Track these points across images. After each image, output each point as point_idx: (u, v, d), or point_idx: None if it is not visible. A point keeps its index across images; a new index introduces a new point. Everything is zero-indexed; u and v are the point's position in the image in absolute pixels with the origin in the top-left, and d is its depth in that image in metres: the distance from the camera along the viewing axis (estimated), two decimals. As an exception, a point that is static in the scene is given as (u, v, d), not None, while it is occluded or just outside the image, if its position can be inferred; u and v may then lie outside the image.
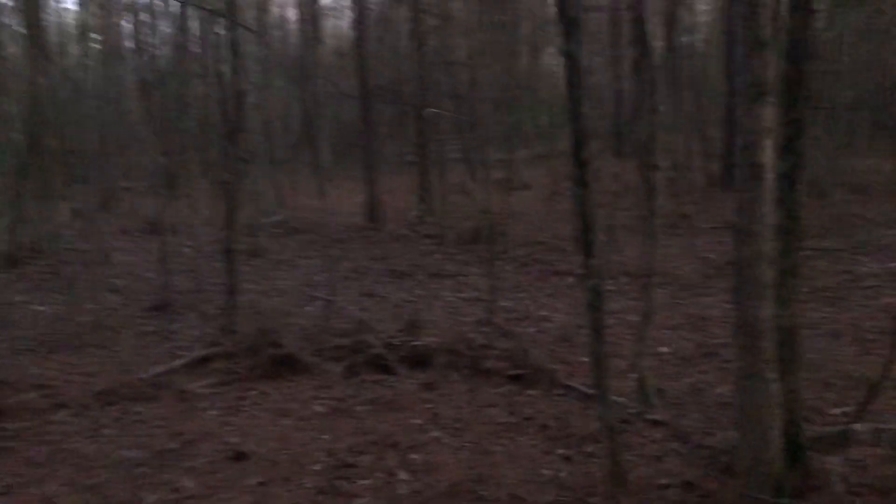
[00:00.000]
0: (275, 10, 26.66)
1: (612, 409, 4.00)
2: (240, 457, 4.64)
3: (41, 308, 8.68)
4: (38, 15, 13.10)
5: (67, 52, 21.37)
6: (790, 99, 3.49)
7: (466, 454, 4.56)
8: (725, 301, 8.24)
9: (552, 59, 27.05)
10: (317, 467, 4.47)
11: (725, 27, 16.12)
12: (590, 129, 4.03)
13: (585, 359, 6.00)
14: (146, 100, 16.70)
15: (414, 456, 4.55)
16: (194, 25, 16.52)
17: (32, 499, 4.20)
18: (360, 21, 16.21)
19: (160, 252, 9.38)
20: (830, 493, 3.49)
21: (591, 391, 4.88)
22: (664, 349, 6.69)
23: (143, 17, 19.56)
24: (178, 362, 6.53)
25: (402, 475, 4.31)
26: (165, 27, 21.01)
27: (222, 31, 10.27)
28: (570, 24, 3.92)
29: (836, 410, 4.98)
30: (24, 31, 13.13)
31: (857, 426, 4.31)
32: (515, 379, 5.84)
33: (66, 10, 24.22)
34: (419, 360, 6.19)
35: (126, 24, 21.95)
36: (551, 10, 20.46)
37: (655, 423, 4.94)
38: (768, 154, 3.28)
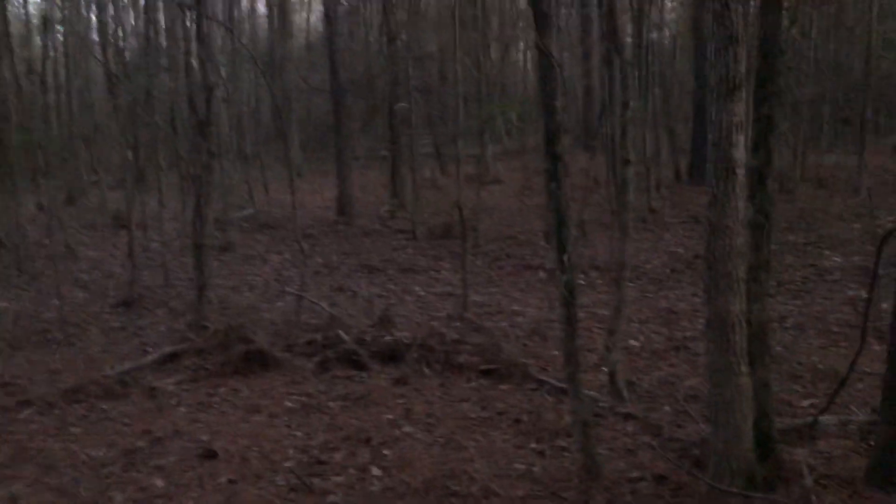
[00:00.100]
0: (244, 4, 26.38)
1: (584, 404, 4.02)
2: (210, 454, 4.58)
3: (5, 304, 8.51)
4: (1, 6, 12.81)
5: (32, 44, 20.94)
6: (761, 95, 3.52)
7: (439, 449, 4.56)
8: (694, 295, 8.34)
9: (522, 55, 27.14)
10: (288, 464, 4.43)
11: (694, 23, 16.26)
12: (562, 123, 4.04)
13: (557, 353, 6.04)
14: (113, 93, 16.41)
15: (387, 452, 4.53)
16: (162, 17, 16.26)
17: (-3, 499, 4.11)
18: (330, 15, 16.08)
19: (128, 247, 9.25)
20: (801, 486, 3.53)
21: (563, 385, 4.90)
22: (634, 343, 6.74)
23: (110, 8, 19.20)
24: (146, 359, 6.44)
25: (375, 471, 4.29)
26: (132, 19, 20.72)
27: (190, 24, 10.11)
28: (542, 18, 3.92)
29: (805, 402, 5.05)
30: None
31: (825, 418, 4.39)
32: (488, 373, 5.84)
33: (31, 1, 23.76)
34: (391, 356, 6.16)
35: (92, 17, 21.61)
36: (522, 5, 20.51)
37: (627, 416, 4.97)
38: (740, 149, 3.31)
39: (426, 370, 5.94)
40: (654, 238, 11.32)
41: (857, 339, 6.16)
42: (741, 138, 3.30)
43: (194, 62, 8.36)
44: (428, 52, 15.99)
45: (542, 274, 9.69)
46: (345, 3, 20.09)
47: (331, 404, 5.38)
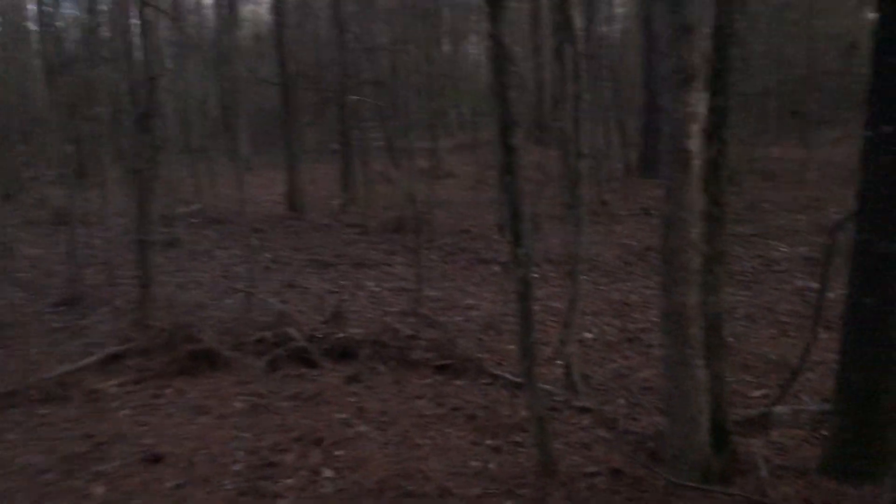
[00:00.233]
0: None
1: (540, 400, 3.96)
2: (155, 459, 4.41)
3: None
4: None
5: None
6: (715, 86, 3.49)
7: (393, 448, 4.46)
8: (646, 287, 8.39)
9: (474, 49, 27.11)
10: (237, 467, 4.28)
11: (644, 16, 16.39)
12: (516, 115, 3.97)
13: (512, 346, 6.00)
14: (52, 84, 15.88)
15: (339, 452, 4.42)
16: (105, 6, 15.79)
17: (-75, 512, 3.89)
18: (278, 5, 15.78)
19: (69, 244, 8.92)
20: (756, 478, 3.53)
21: (518, 380, 4.85)
22: (588, 335, 6.73)
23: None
24: (88, 360, 6.18)
25: (327, 473, 4.17)
26: (72, 8, 20.07)
27: (134, 13, 9.80)
28: (495, 6, 3.83)
29: (757, 393, 5.09)
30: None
31: (778, 408, 4.42)
32: (443, 369, 5.75)
33: (-37, -12, 22.79)
34: (344, 353, 6.04)
35: (30, 6, 20.88)
36: (473, -3, 20.44)
37: (582, 409, 4.94)
38: (695, 140, 3.28)
39: (380, 367, 5.83)
40: (606, 231, 11.37)
41: (807, 328, 6.26)
42: (696, 129, 3.27)
43: (136, 53, 8.08)
44: (379, 45, 15.79)
45: (496, 268, 9.66)
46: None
47: (281, 404, 5.24)
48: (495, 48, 3.98)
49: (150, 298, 7.11)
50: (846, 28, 17.15)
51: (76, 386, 5.63)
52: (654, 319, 6.90)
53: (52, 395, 5.47)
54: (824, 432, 4.06)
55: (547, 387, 5.04)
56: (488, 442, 4.50)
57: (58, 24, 17.77)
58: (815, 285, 7.68)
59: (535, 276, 8.73)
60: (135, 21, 8.19)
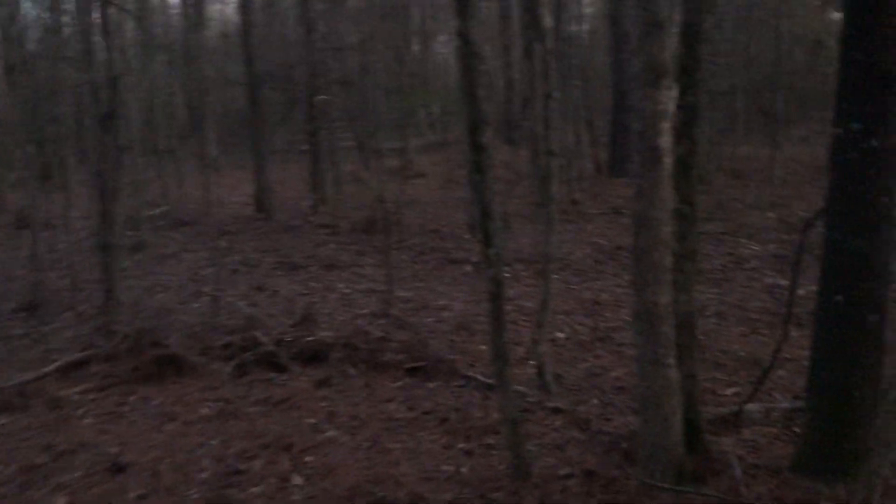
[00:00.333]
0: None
1: (512, 402, 3.91)
2: (119, 468, 4.30)
3: None
4: None
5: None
6: (684, 83, 3.47)
7: (364, 453, 4.38)
8: (617, 285, 8.39)
9: (443, 48, 27.05)
10: (204, 475, 4.19)
11: (612, 15, 16.45)
12: (485, 113, 3.92)
13: (485, 347, 5.94)
14: (13, 84, 15.52)
15: (309, 458, 4.33)
16: (67, 5, 15.49)
17: None
18: (245, 5, 15.60)
19: (31, 248, 8.70)
20: (729, 478, 3.52)
21: (490, 381, 4.80)
22: (560, 335, 6.71)
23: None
24: (49, 367, 6.02)
25: (297, 480, 4.09)
26: (33, 7, 19.64)
27: (96, 12, 9.58)
28: (463, 3, 3.78)
29: (729, 391, 5.09)
30: None
31: (749, 406, 4.42)
32: (414, 371, 5.68)
33: (-81, -14, 22.21)
34: (313, 356, 5.94)
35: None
36: (442, -3, 20.40)
37: (555, 410, 4.91)
38: (666, 138, 3.25)
39: (350, 370, 5.74)
40: (576, 230, 11.37)
41: (777, 326, 6.31)
42: (667, 126, 3.24)
43: (98, 52, 7.90)
44: (348, 44, 15.68)
45: (467, 267, 9.61)
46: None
47: (249, 410, 5.13)
48: (463, 46, 3.92)
49: (115, 303, 6.96)
50: (811, 28, 17.39)
51: (37, 394, 5.48)
52: (625, 318, 6.89)
53: (12, 403, 5.32)
54: (796, 430, 4.06)
55: (519, 388, 4.99)
56: (461, 445, 4.45)
57: (18, 22, 17.37)
58: (784, 283, 7.74)
59: (507, 275, 8.68)
60: (98, 20, 7.99)
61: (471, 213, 10.89)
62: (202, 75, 20.18)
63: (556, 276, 7.86)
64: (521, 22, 14.80)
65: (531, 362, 5.60)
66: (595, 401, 5.11)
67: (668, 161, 3.29)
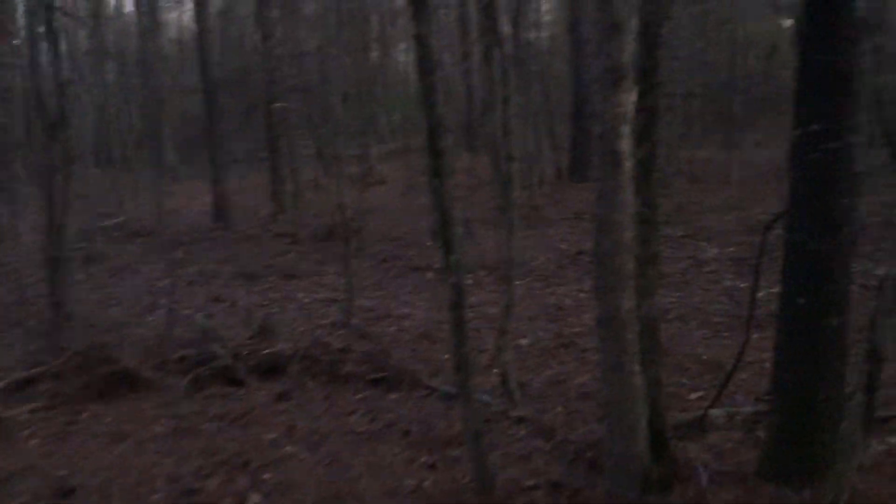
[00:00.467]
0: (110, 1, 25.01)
1: (476, 413, 3.82)
2: (66, 492, 4.11)
3: None
4: None
5: None
6: (644, 86, 3.42)
7: (324, 469, 4.25)
8: (580, 290, 8.37)
9: (404, 56, 26.98)
10: (157, 496, 4.02)
11: (571, 22, 16.55)
12: (444, 118, 3.83)
13: (447, 356, 5.85)
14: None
15: (267, 475, 4.19)
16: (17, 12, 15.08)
17: None
18: (200, 11, 15.36)
19: (-25, 262, 8.41)
20: (696, 485, 3.47)
21: (454, 391, 4.70)
22: (524, 341, 6.65)
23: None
24: (-6, 387, 5.79)
25: (255, 498, 3.95)
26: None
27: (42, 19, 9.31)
28: (420, 6, 3.69)
29: (693, 395, 5.06)
30: None
31: (713, 411, 4.39)
32: (376, 383, 5.57)
33: None
34: (272, 369, 5.79)
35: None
36: (402, 2, 20.32)
37: (520, 420, 4.82)
38: (626, 141, 3.20)
39: (310, 383, 5.60)
40: (538, 235, 11.36)
41: (737, 328, 6.32)
42: (627, 129, 3.19)
43: (44, 59, 7.66)
44: (306, 50, 15.51)
45: (430, 274, 9.52)
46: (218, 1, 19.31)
47: (205, 426, 4.97)
48: (421, 50, 3.84)
49: (64, 318, 6.73)
50: (765, 33, 17.68)
51: (-20, 416, 5.24)
52: (588, 323, 6.85)
53: (-46, 426, 5.08)
54: (760, 434, 4.03)
55: (484, 397, 4.91)
56: (423, 458, 4.34)
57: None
58: (743, 285, 7.79)
59: (469, 282, 8.62)
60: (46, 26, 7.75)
61: (433, 220, 10.82)
62: (158, 83, 19.84)
63: (518, 282, 7.82)
64: (480, 28, 14.80)
65: (495, 370, 5.52)
66: (559, 408, 5.04)
67: (628, 165, 3.23)
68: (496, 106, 5.78)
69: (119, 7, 25.88)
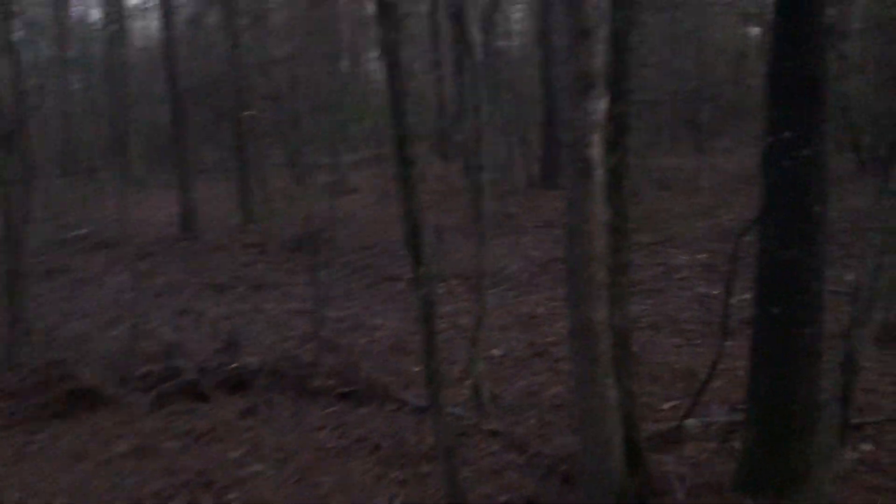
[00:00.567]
0: (76, 9, 24.64)
1: (447, 428, 3.72)
2: (21, 517, 3.95)
3: None
4: None
5: None
6: (614, 93, 3.37)
7: (291, 488, 4.14)
8: (552, 298, 8.31)
9: (374, 64, 26.88)
10: (116, 520, 3.88)
11: (541, 30, 16.58)
12: (412, 126, 3.75)
13: (419, 368, 5.74)
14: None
15: (232, 495, 4.06)
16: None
17: None
18: (167, 20, 15.15)
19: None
20: (672, 499, 3.40)
21: (425, 405, 4.60)
22: (496, 351, 6.56)
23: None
24: (-52, 406, 5.57)
25: (219, 520, 3.82)
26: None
27: None
28: (386, 12, 3.61)
29: (667, 405, 5.01)
30: None
31: (688, 421, 4.33)
32: (346, 397, 5.45)
33: None
34: (238, 384, 5.65)
35: None
36: (370, 10, 20.23)
37: (492, 433, 4.73)
38: (597, 150, 3.13)
39: (277, 398, 5.46)
40: (511, 243, 11.30)
41: (709, 335, 6.30)
42: (598, 138, 3.12)
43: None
44: (275, 59, 15.36)
45: (402, 284, 9.41)
46: (186, 9, 19.06)
47: (168, 444, 4.82)
48: (388, 57, 3.76)
49: (23, 333, 6.51)
50: (733, 41, 17.86)
51: (-67, 437, 5.05)
52: (561, 332, 6.79)
53: None
54: (735, 444, 3.98)
55: (455, 410, 4.82)
56: (394, 474, 4.23)
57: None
58: (714, 292, 7.78)
59: (442, 291, 8.54)
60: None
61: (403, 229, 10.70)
62: (125, 91, 19.55)
63: (491, 291, 7.75)
64: (451, 36, 14.77)
65: (467, 382, 5.43)
66: (533, 420, 4.96)
67: (599, 173, 3.17)
68: (468, 113, 5.72)
69: (84, 15, 25.50)
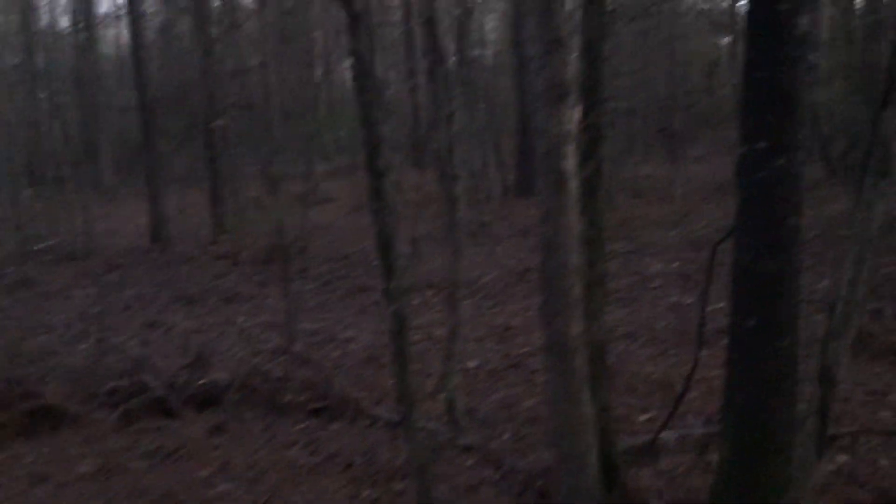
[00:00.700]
0: (44, 17, 24.29)
1: (421, 445, 3.64)
2: (-22, 543, 3.80)
3: None
4: None
5: None
6: (588, 103, 3.32)
7: (262, 508, 4.02)
8: (528, 308, 8.26)
9: (348, 72, 26.78)
10: (78, 544, 3.74)
11: (515, 40, 16.62)
12: (386, 135, 3.67)
13: (393, 381, 5.65)
14: None
15: (199, 517, 3.95)
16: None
17: None
18: (136, 28, 14.97)
19: None
20: (649, 516, 3.35)
21: (398, 420, 4.51)
22: (471, 363, 6.49)
23: None
24: None
25: (185, 542, 3.70)
26: None
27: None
28: (355, 20, 3.54)
29: (643, 417, 4.97)
30: None
31: (664, 434, 4.29)
32: (318, 412, 5.34)
33: None
34: (207, 400, 5.51)
35: None
36: (342, 18, 20.18)
37: (467, 448, 4.66)
38: (570, 161, 3.07)
39: (247, 414, 5.34)
40: (486, 252, 11.25)
41: (684, 345, 6.27)
42: (571, 148, 3.06)
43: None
44: (247, 67, 15.22)
45: (376, 295, 9.31)
46: (157, 17, 18.90)
47: (134, 464, 4.68)
48: (358, 66, 3.69)
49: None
50: (705, 50, 18.03)
51: None
52: (537, 342, 6.73)
53: None
54: (712, 457, 3.94)
55: (429, 425, 4.73)
56: (367, 492, 4.14)
57: None
58: (688, 301, 7.78)
59: (417, 301, 8.45)
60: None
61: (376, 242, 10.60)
62: (94, 100, 19.29)
63: (466, 301, 7.68)
64: (424, 45, 14.74)
65: (442, 395, 5.34)
66: (508, 435, 4.90)
67: (573, 184, 3.11)
68: (441, 121, 5.66)
69: (53, 23, 25.14)
